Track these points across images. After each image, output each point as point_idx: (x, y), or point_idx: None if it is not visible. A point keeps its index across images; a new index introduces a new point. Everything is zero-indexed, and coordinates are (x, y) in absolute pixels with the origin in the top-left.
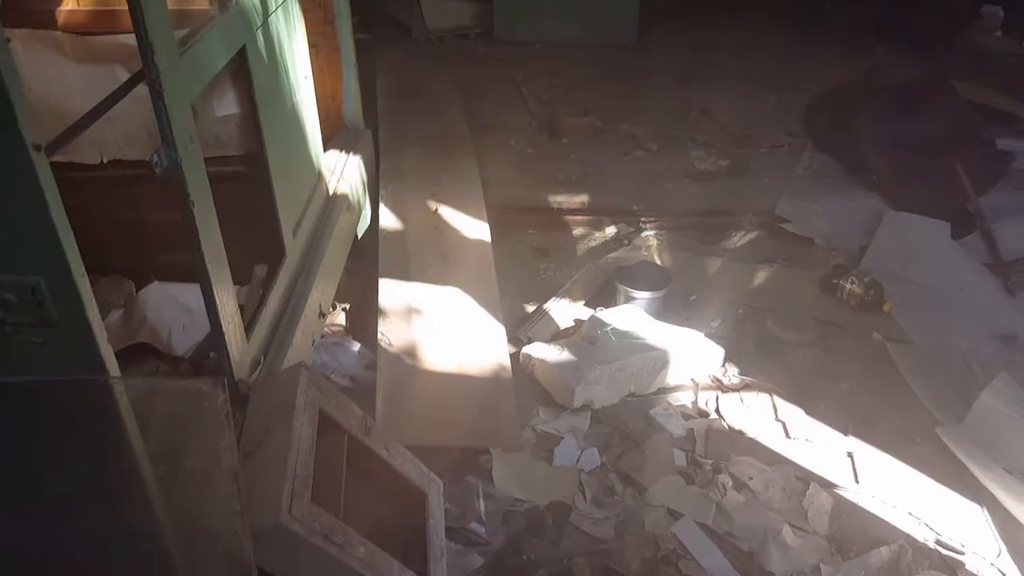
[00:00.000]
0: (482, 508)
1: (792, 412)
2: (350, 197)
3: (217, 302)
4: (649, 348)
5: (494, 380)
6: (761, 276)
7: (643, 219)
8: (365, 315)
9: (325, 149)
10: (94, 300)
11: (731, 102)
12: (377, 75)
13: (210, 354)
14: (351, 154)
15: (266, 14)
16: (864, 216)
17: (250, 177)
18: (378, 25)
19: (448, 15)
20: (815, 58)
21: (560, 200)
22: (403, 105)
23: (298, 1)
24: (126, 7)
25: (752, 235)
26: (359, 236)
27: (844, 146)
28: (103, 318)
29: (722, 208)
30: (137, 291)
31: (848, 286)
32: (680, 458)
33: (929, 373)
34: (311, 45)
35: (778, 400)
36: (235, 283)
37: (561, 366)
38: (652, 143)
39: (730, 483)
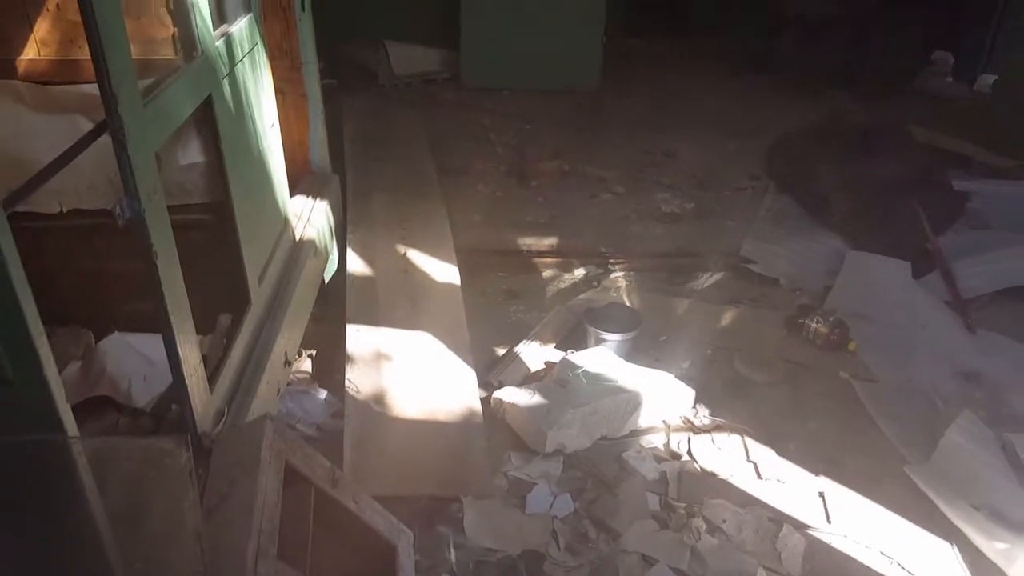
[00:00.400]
0: (453, 559)
1: (763, 453)
2: (317, 242)
3: (180, 353)
4: (620, 390)
5: (464, 426)
6: (728, 316)
7: (612, 261)
8: (332, 361)
9: (292, 194)
10: (52, 358)
11: (694, 146)
12: (345, 120)
13: (172, 406)
14: (318, 199)
15: (232, 63)
16: (827, 256)
17: (215, 225)
18: (345, 71)
19: (415, 61)
20: (774, 103)
21: (529, 243)
22: (371, 150)
23: (265, 49)
24: (88, 56)
25: (718, 276)
26: (326, 281)
27: (805, 188)
28: (61, 370)
29: (689, 249)
30: (97, 342)
31: (814, 325)
32: (654, 502)
33: (896, 411)
34: (278, 91)
35: (749, 441)
36: (198, 332)
37: (532, 410)
38: (619, 186)
39: (704, 526)
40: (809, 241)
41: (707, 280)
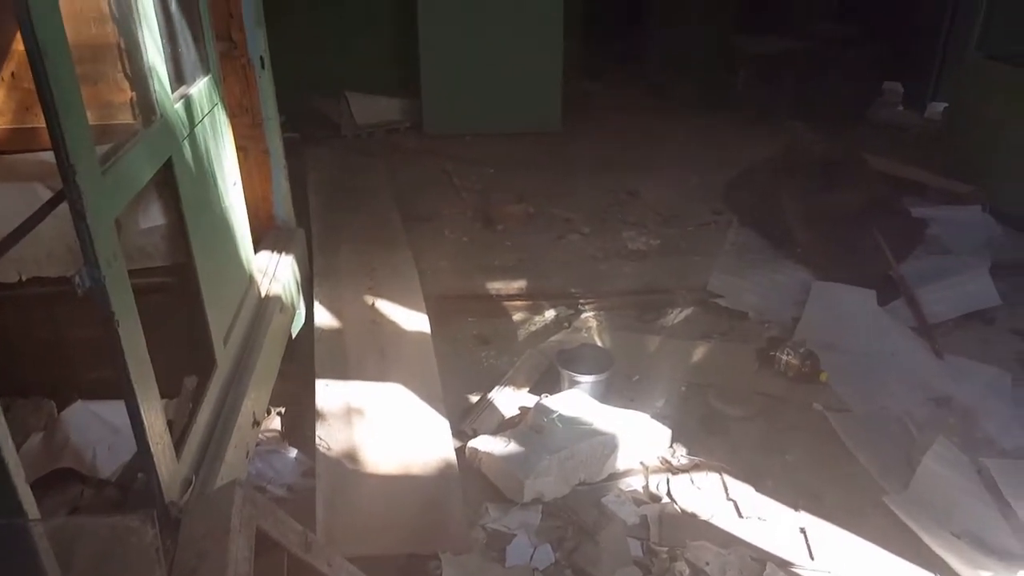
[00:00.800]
0: None
1: (742, 490)
2: (283, 297)
3: (144, 421)
4: (597, 433)
5: (439, 478)
6: (700, 352)
7: (581, 301)
8: (302, 418)
9: (256, 250)
10: (10, 437)
11: (657, 184)
12: (308, 173)
13: (138, 475)
14: (283, 254)
15: (192, 124)
16: (793, 288)
17: (178, 287)
18: (307, 123)
19: (377, 111)
20: (733, 139)
21: (498, 287)
22: (335, 201)
23: (225, 108)
24: (44, 124)
25: (688, 311)
26: (294, 336)
27: (767, 221)
28: (21, 443)
29: (657, 286)
30: (59, 411)
31: (785, 358)
32: (635, 547)
33: (871, 440)
34: (239, 148)
35: (728, 479)
36: (163, 396)
37: (508, 459)
38: (585, 226)
39: (687, 570)
40: (775, 273)
41: (677, 316)
